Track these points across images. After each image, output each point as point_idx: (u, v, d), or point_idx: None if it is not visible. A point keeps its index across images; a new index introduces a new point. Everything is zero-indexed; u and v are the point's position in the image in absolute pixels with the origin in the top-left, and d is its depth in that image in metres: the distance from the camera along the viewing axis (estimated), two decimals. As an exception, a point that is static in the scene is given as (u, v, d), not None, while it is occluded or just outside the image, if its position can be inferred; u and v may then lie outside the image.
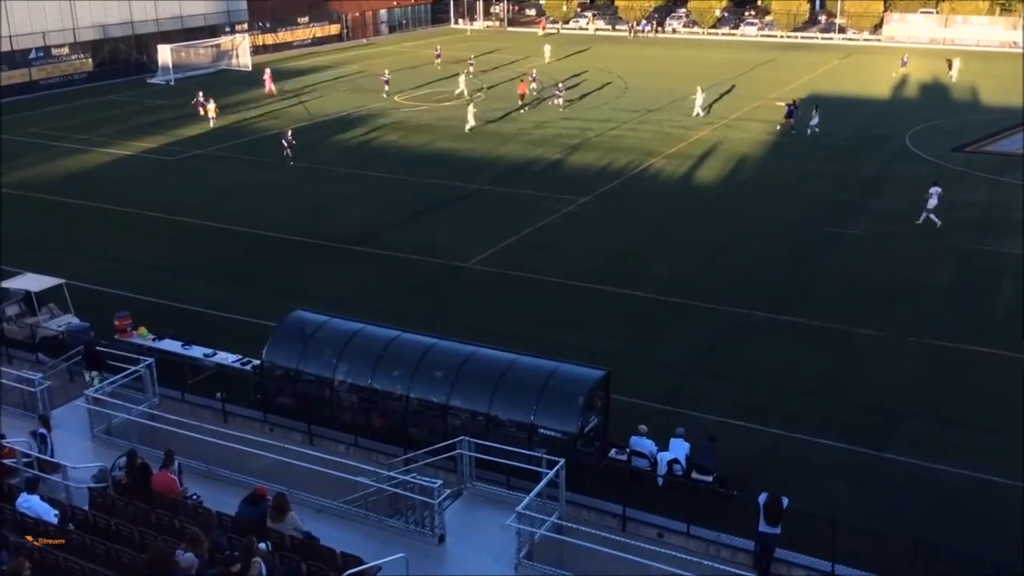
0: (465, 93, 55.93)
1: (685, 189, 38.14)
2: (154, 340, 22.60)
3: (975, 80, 63.01)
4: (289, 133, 42.85)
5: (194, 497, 15.17)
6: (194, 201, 36.19)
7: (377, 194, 37.33)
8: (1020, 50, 78.55)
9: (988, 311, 25.92)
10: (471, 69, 64.26)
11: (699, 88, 52.10)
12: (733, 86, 60.49)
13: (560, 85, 55.34)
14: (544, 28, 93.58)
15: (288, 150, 41.93)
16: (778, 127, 47.74)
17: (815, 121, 46.33)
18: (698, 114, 50.85)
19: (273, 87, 58.75)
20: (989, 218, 33.85)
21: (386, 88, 58.95)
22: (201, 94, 51.30)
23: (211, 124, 48.70)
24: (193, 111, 50.90)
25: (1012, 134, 46.17)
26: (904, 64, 66.79)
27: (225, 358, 21.84)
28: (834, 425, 19.85)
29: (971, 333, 24.25)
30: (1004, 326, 24.74)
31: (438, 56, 69.77)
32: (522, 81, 56.97)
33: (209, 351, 22.13)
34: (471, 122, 47.71)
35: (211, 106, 49.15)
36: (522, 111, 52.75)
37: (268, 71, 60.34)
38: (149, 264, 29.52)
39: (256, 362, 20.79)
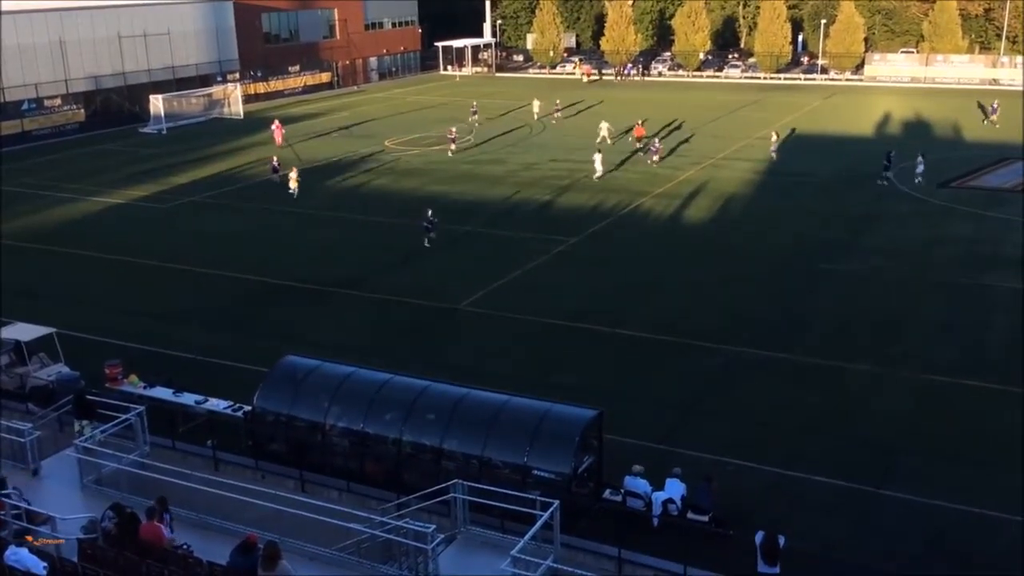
0: (606, 138, 54.52)
1: (675, 228, 38.36)
2: (145, 388, 22.46)
3: (956, 117, 63.82)
4: (294, 172, 44.36)
5: (184, 547, 14.99)
6: (186, 248, 36.24)
7: (368, 238, 37.44)
8: (999, 87, 79.73)
9: (979, 345, 25.99)
10: (475, 116, 63.45)
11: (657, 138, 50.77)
12: (718, 125, 61.06)
13: (657, 141, 52.02)
14: (589, 75, 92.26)
15: (292, 184, 43.64)
16: (879, 183, 44.15)
17: (920, 169, 43.80)
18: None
19: (281, 139, 56.85)
20: (976, 252, 34.07)
21: (474, 117, 62.70)
22: (276, 159, 47.97)
23: (294, 195, 43.59)
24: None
25: (995, 169, 46.66)
26: (995, 111, 61.02)
27: (216, 405, 21.69)
28: (830, 462, 19.77)
29: (963, 367, 24.29)
30: (995, 360, 24.81)
31: (474, 113, 65.80)
32: (639, 125, 55.69)
33: (200, 398, 21.99)
34: (599, 170, 46.23)
35: (293, 175, 44.14)
36: (641, 154, 51.69)
37: (277, 122, 58.57)
38: (140, 312, 29.45)
39: (247, 408, 20.68)
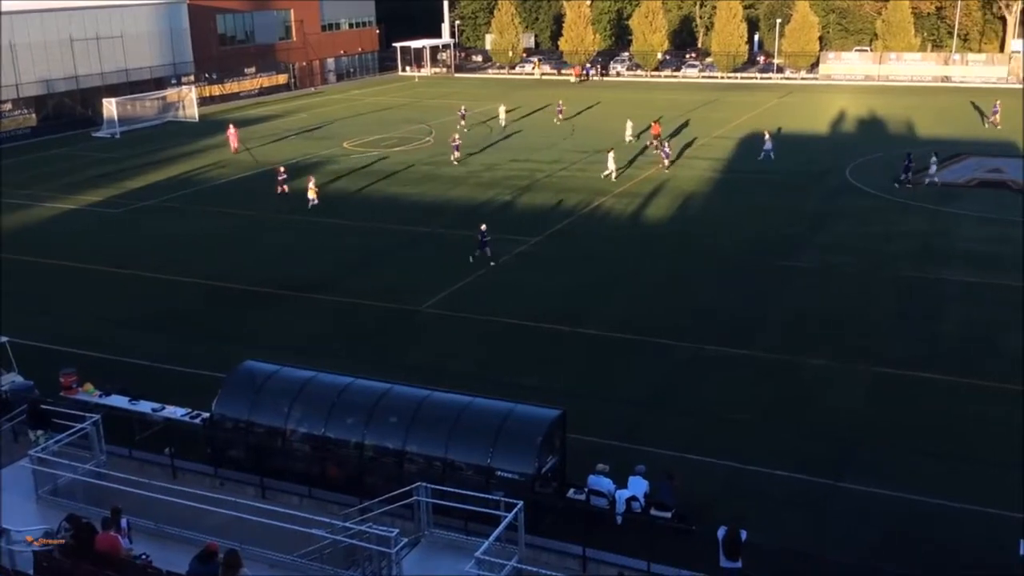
0: (632, 137, 54.91)
1: (635, 227, 38.53)
2: (100, 396, 22.09)
3: (910, 114, 64.85)
4: (281, 168, 44.12)
5: (143, 557, 14.77)
6: (141, 253, 35.71)
7: (328, 240, 37.16)
8: (949, 85, 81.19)
9: (933, 338, 26.39)
10: (463, 122, 61.32)
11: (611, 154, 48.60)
12: (687, 121, 61.52)
13: (666, 144, 50.58)
14: (578, 75, 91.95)
15: (281, 187, 43.19)
16: (896, 186, 43.27)
17: (934, 170, 43.40)
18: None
19: (237, 144, 55.59)
20: (930, 246, 34.60)
21: (560, 116, 63.10)
22: (283, 169, 45.27)
23: (310, 204, 41.58)
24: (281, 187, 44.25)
25: (949, 165, 47.41)
26: (996, 111, 59.81)
27: (174, 412, 21.39)
28: (790, 456, 19.96)
29: (917, 360, 24.66)
30: (949, 352, 25.22)
31: (560, 111, 65.04)
32: (655, 123, 55.35)
33: (157, 406, 21.66)
34: (611, 167, 45.92)
35: (311, 184, 42.07)
36: (655, 151, 51.21)
37: (232, 127, 56.74)
38: (96, 318, 28.97)
39: (206, 415, 20.42)
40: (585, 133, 59.57)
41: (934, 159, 43.85)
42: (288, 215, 40.93)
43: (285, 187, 43.64)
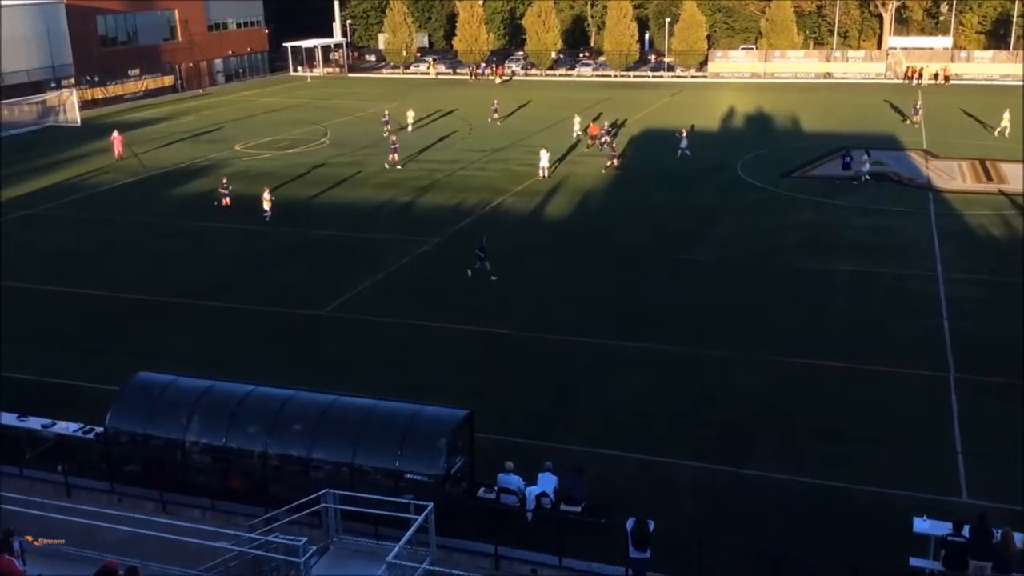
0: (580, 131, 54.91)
1: (535, 224, 38.78)
2: (-15, 415, 21.04)
3: (795, 110, 67.11)
4: (224, 180, 41.57)
5: (38, 580, 14.14)
6: (22, 264, 34.12)
7: (222, 246, 36.23)
8: (831, 81, 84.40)
9: (822, 325, 27.32)
10: (388, 127, 59.38)
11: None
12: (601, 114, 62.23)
13: (610, 142, 50.76)
14: (501, 75, 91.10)
15: (224, 200, 40.81)
16: (856, 183, 43.58)
17: (866, 168, 44.32)
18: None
19: (122, 150, 53.08)
20: (817, 237, 35.84)
21: (495, 116, 62.92)
22: (225, 181, 42.49)
23: (267, 217, 39.18)
24: (217, 199, 41.56)
25: (832, 159, 49.21)
26: (917, 112, 60.51)
27: (66, 428, 20.51)
28: (694, 446, 20.40)
29: (810, 347, 25.50)
30: (838, 339, 26.14)
31: (495, 111, 64.61)
32: (594, 123, 55.34)
33: (48, 421, 20.74)
34: (545, 166, 46.01)
35: (267, 195, 39.66)
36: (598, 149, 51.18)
37: (116, 133, 54.37)
38: (-25, 334, 27.55)
39: (99, 430, 19.65)
40: (483, 133, 59.64)
41: (866, 156, 45.07)
42: (179, 220, 39.74)
43: (227, 199, 41.02)
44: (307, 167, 49.69)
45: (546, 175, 46.14)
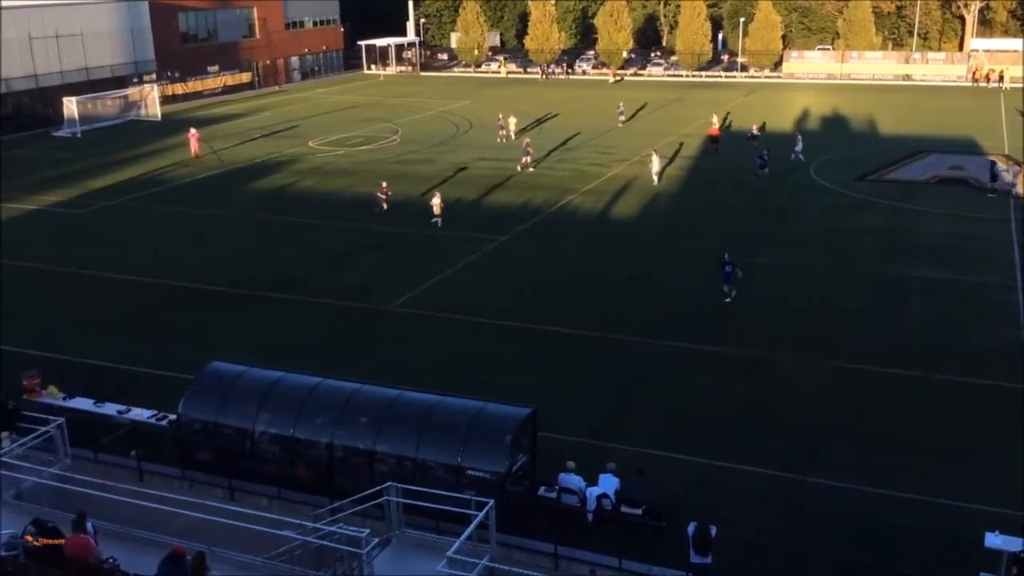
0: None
1: (603, 224, 38.64)
2: (65, 399, 21.77)
3: (872, 112, 65.63)
4: (384, 184, 40.72)
5: (110, 560, 14.58)
6: (105, 254, 35.23)
7: (296, 240, 36.90)
8: (909, 83, 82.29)
9: (897, 333, 26.71)
10: (622, 117, 60.98)
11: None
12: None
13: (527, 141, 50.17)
14: (614, 75, 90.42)
15: (383, 204, 39.91)
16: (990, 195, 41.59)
17: (799, 147, 47.98)
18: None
19: (198, 148, 53.21)
20: (893, 243, 35.03)
21: (621, 119, 62.17)
22: (385, 185, 40.95)
23: (438, 223, 37.95)
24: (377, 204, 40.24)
25: (911, 163, 48.06)
26: (620, 113, 62.30)
27: (140, 414, 21.11)
28: (759, 451, 20.12)
29: (882, 355, 24.94)
30: (912, 347, 25.53)
31: (621, 112, 63.51)
32: (713, 125, 54.93)
33: (123, 408, 21.38)
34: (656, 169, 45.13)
35: (437, 200, 38.26)
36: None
37: (193, 130, 54.22)
38: (60, 320, 28.52)
39: (172, 417, 20.19)
40: (553, 132, 59.51)
41: (798, 139, 47.86)
42: (256, 214, 40.56)
43: (386, 204, 40.06)
44: (381, 163, 50.16)
45: (656, 180, 44.91)
